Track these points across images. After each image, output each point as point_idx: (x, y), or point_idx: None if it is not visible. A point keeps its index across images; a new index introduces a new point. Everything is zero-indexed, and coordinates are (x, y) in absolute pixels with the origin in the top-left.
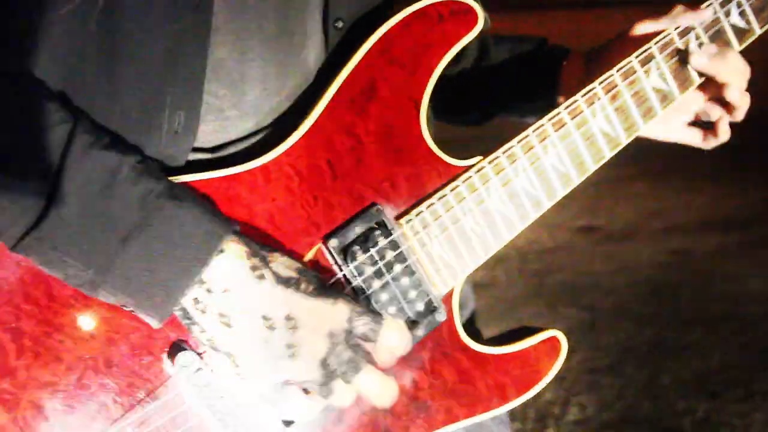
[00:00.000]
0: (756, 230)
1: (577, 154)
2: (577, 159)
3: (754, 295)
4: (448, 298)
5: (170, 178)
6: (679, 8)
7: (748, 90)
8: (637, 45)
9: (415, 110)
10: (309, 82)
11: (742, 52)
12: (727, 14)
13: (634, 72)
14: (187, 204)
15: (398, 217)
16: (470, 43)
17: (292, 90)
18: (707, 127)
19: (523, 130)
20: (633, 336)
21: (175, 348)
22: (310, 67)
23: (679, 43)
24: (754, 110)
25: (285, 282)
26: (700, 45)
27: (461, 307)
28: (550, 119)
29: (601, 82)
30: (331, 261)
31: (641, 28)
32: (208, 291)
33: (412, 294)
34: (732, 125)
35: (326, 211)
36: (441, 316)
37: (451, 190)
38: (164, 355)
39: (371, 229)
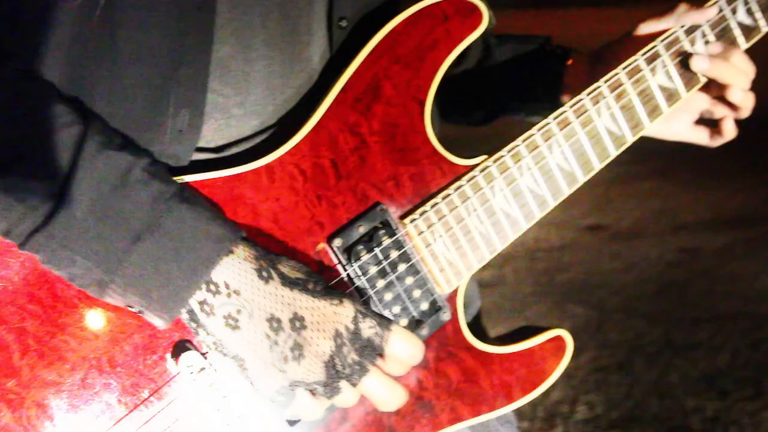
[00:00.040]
0: (765, 228)
1: (583, 153)
2: (582, 158)
3: (764, 293)
4: (452, 298)
5: (175, 177)
6: (683, 6)
7: (755, 87)
8: (642, 44)
9: (419, 109)
10: (313, 81)
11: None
12: (734, 12)
13: (640, 70)
14: (198, 207)
15: (402, 217)
16: (475, 42)
17: (296, 89)
18: (713, 125)
19: (528, 129)
20: (641, 334)
21: (179, 348)
22: (314, 66)
23: (685, 42)
24: (763, 108)
25: (292, 283)
26: (707, 43)
27: (466, 306)
28: (555, 118)
29: (607, 81)
30: (335, 260)
31: (646, 27)
32: (216, 293)
33: (417, 293)
34: (741, 123)
35: (330, 211)
36: (445, 316)
37: (456, 190)
38: (168, 355)
39: (375, 229)
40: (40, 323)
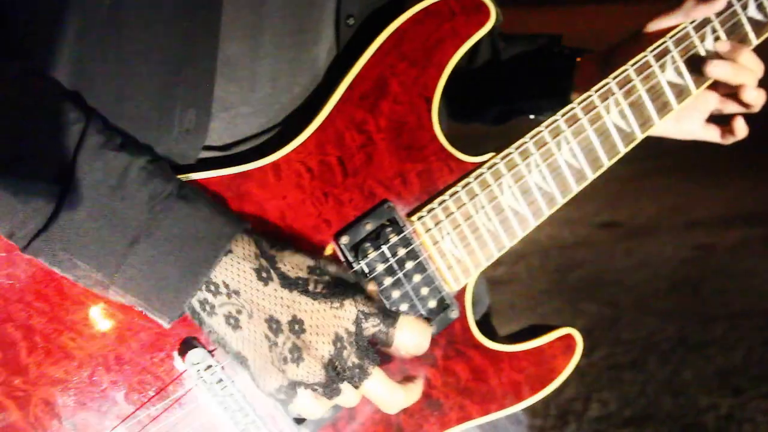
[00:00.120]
0: None
1: (591, 150)
2: (591, 155)
3: None
4: (461, 295)
5: (181, 176)
6: (691, 1)
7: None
8: (651, 42)
9: (426, 107)
10: (320, 80)
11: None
12: (744, 7)
13: (649, 66)
14: (196, 205)
15: (410, 214)
16: (483, 41)
17: (303, 87)
18: (724, 123)
19: (536, 127)
20: (655, 332)
21: (186, 345)
22: (321, 64)
23: (695, 38)
24: None
25: (292, 284)
26: (717, 39)
27: (475, 304)
28: (563, 115)
29: (615, 77)
30: (342, 258)
31: (655, 25)
32: (216, 293)
33: (425, 291)
34: (755, 120)
35: (337, 208)
36: (454, 314)
37: (463, 187)
38: (175, 353)
39: (382, 226)
40: (47, 321)
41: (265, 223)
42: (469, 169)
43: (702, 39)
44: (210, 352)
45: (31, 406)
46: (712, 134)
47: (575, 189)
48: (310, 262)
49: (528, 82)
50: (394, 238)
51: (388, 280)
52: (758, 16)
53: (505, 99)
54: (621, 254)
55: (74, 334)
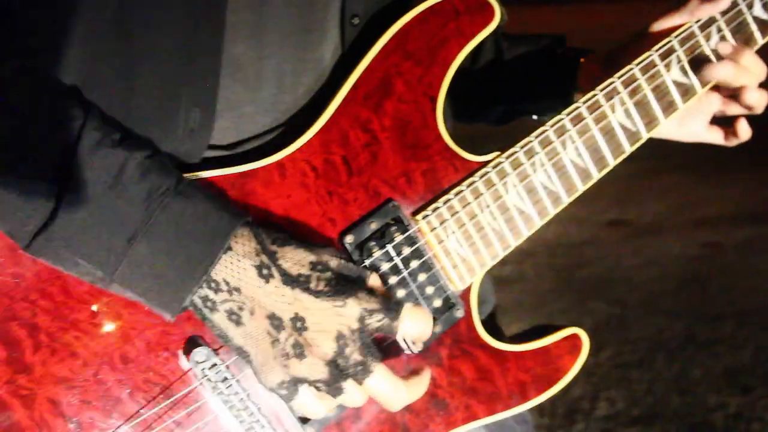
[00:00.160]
0: None
1: (597, 149)
2: (596, 154)
3: None
4: (466, 295)
5: (186, 174)
6: (695, 0)
7: None
8: (656, 42)
9: (431, 105)
10: (325, 79)
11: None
12: (750, 6)
13: (655, 66)
14: (194, 200)
15: (415, 213)
16: (486, 41)
17: (308, 87)
18: (728, 125)
19: (541, 126)
20: (663, 330)
21: (191, 344)
22: (326, 63)
23: (701, 37)
24: None
25: (293, 281)
26: (722, 38)
27: (481, 303)
28: (568, 114)
29: (620, 77)
30: (347, 257)
31: (660, 24)
32: (217, 290)
33: (430, 290)
34: (763, 117)
35: (342, 207)
36: (459, 313)
37: (468, 186)
38: (180, 351)
39: (387, 225)
40: (52, 319)
41: (269, 222)
42: (473, 169)
43: (707, 38)
44: (215, 350)
45: (36, 404)
46: (716, 136)
47: (580, 188)
48: (312, 258)
49: (531, 82)
50: (398, 237)
51: (392, 279)
52: (764, 16)
53: (507, 99)
54: (628, 253)
55: (79, 333)
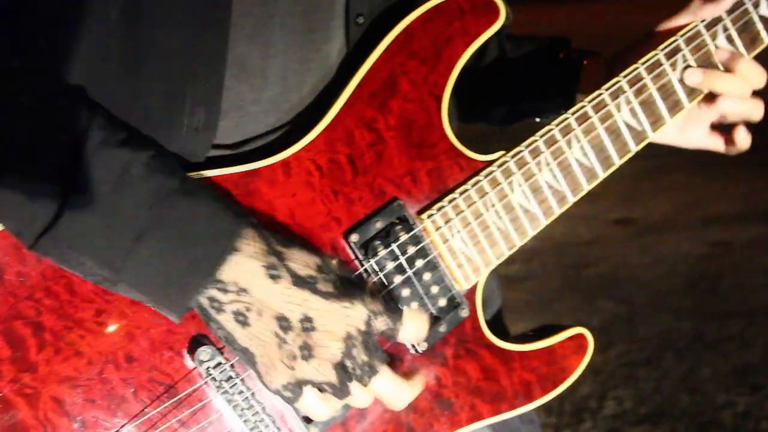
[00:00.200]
0: None
1: (602, 149)
2: (602, 153)
3: None
4: (471, 294)
5: (191, 173)
6: (698, 1)
7: None
8: (662, 43)
9: (436, 105)
10: (330, 78)
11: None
12: (756, 5)
13: (660, 65)
14: (200, 200)
15: (420, 212)
16: (491, 42)
17: (313, 86)
18: (728, 132)
19: (547, 125)
20: (671, 329)
21: (196, 343)
22: (331, 62)
23: (706, 36)
24: None
25: (302, 282)
26: (729, 37)
27: (486, 303)
28: (573, 113)
29: (626, 76)
30: (352, 256)
31: (664, 26)
32: (224, 291)
33: (435, 289)
34: None
35: (347, 206)
36: (464, 312)
37: (473, 185)
38: (185, 350)
39: (392, 224)
40: (56, 318)
41: (274, 221)
42: (479, 168)
43: (713, 37)
44: (219, 349)
45: (40, 403)
46: (717, 144)
47: (586, 187)
48: (318, 260)
49: (533, 83)
50: (403, 236)
51: (397, 278)
52: None
53: (510, 100)
54: (636, 251)
55: (84, 332)
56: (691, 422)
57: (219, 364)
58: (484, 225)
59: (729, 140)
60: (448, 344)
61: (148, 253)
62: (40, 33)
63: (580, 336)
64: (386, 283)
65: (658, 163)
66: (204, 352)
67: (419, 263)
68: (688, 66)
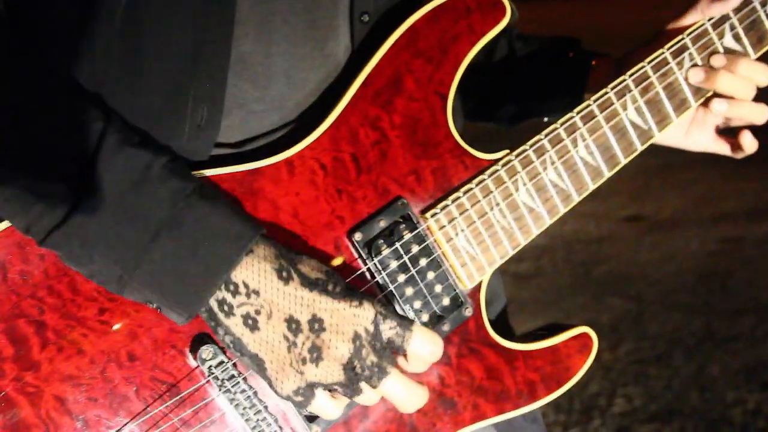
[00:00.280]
0: None
1: (608, 148)
2: (607, 152)
3: None
4: (475, 293)
5: (194, 172)
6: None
7: None
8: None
9: (441, 103)
10: (334, 77)
11: None
12: (764, 4)
13: (667, 63)
14: (217, 204)
15: (424, 211)
16: (500, 40)
17: (317, 84)
18: (734, 136)
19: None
20: (681, 326)
21: (198, 341)
22: (336, 61)
23: (713, 34)
24: None
25: (312, 283)
26: (735, 36)
27: (490, 302)
28: (578, 112)
29: (632, 75)
30: (356, 255)
31: (671, 26)
32: (235, 292)
33: (438, 288)
34: None
35: (350, 205)
36: (468, 312)
37: (478, 184)
38: (187, 349)
39: (396, 223)
40: (59, 317)
41: (278, 220)
42: (483, 167)
43: (721, 36)
44: (222, 348)
45: (42, 402)
46: (723, 147)
47: (591, 186)
48: (326, 268)
49: (541, 82)
50: (407, 235)
51: (401, 277)
52: None
53: (518, 99)
54: (646, 248)
55: (86, 330)
56: (700, 420)
57: (221, 362)
58: (488, 224)
59: (735, 144)
60: (451, 343)
61: (164, 252)
62: (42, 31)
63: (585, 335)
64: (389, 282)
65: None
66: (206, 350)
67: (423, 262)
68: (695, 65)
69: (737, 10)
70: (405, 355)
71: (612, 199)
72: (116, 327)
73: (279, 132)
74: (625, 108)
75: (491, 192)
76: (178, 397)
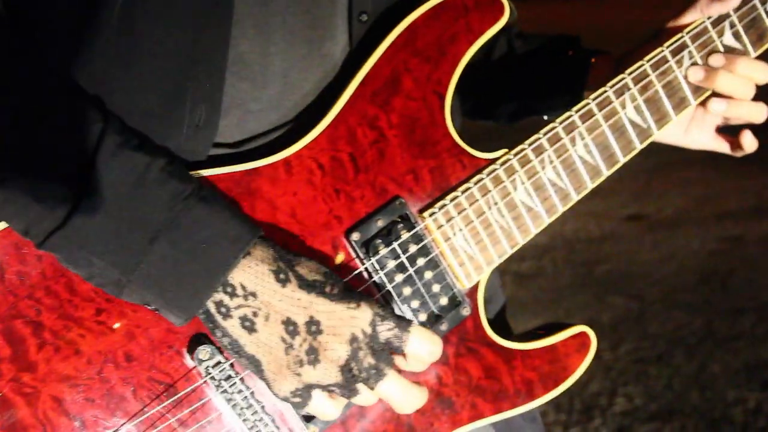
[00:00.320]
0: None
1: (607, 146)
2: (606, 151)
3: None
4: (473, 293)
5: (192, 172)
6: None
7: None
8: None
9: (439, 102)
10: (333, 76)
11: None
12: (764, 2)
13: (666, 62)
14: (215, 206)
15: (422, 211)
16: (499, 39)
17: (316, 84)
18: (733, 134)
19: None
20: (682, 325)
21: (196, 342)
22: (333, 61)
23: (713, 32)
24: None
25: (309, 285)
26: (735, 33)
27: (489, 301)
28: (577, 111)
29: (631, 73)
30: (353, 255)
31: (671, 24)
32: (232, 294)
33: (436, 288)
34: None
35: (348, 205)
36: (465, 311)
37: (476, 183)
38: (184, 349)
39: (394, 223)
40: (56, 317)
41: (275, 220)
42: (481, 166)
43: (720, 34)
44: (219, 348)
45: (39, 402)
46: (723, 146)
47: (590, 185)
48: (324, 269)
49: (541, 80)
50: (405, 235)
51: (399, 277)
52: None
53: (518, 97)
54: (648, 247)
55: (83, 331)
56: (701, 419)
57: (218, 363)
58: (486, 223)
59: (735, 143)
60: (449, 343)
61: (163, 254)
62: (40, 30)
63: (583, 334)
64: (387, 282)
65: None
66: (203, 351)
67: (420, 262)
68: (695, 63)
69: (737, 8)
70: (404, 355)
71: (613, 198)
72: (114, 327)
73: (277, 132)
74: (624, 106)
75: (489, 191)
76: (175, 398)
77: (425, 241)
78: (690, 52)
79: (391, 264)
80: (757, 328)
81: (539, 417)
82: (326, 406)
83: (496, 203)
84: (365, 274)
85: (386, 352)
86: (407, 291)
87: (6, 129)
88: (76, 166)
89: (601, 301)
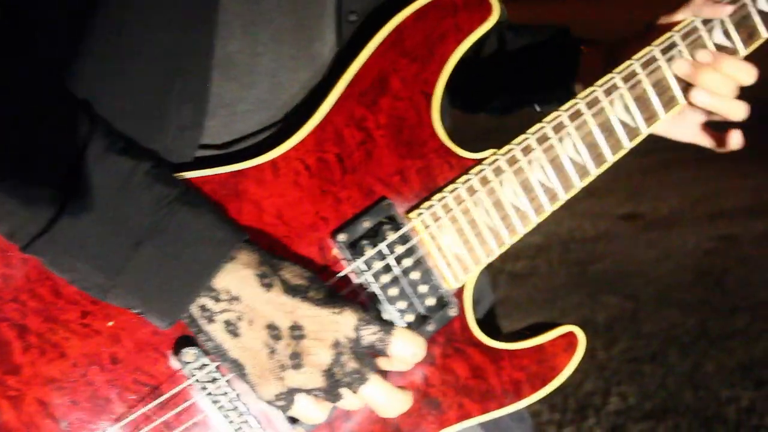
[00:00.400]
0: None
1: (595, 146)
2: (594, 150)
3: None
4: (460, 293)
5: (178, 173)
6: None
7: None
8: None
9: (427, 103)
10: (321, 76)
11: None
12: (754, 0)
13: (655, 60)
14: (200, 210)
15: (409, 211)
16: (491, 33)
17: (303, 84)
18: (720, 131)
19: (539, 122)
20: (677, 324)
21: (181, 344)
22: (322, 61)
23: (703, 31)
24: None
25: (293, 290)
26: (726, 32)
27: (477, 301)
28: (566, 110)
29: (620, 72)
30: (340, 256)
31: (662, 21)
32: (216, 299)
33: (423, 289)
34: None
35: (335, 206)
36: (452, 311)
37: (463, 183)
38: (169, 352)
39: (381, 224)
40: (41, 320)
41: (261, 222)
42: (469, 166)
43: (710, 32)
44: (205, 351)
45: (24, 405)
46: (707, 141)
47: (578, 185)
48: (309, 273)
49: (532, 71)
50: (392, 236)
51: (385, 278)
52: None
53: (509, 88)
54: (643, 246)
55: (69, 334)
56: (695, 418)
57: (204, 365)
58: (473, 223)
59: (720, 139)
60: (436, 343)
61: (146, 259)
62: (25, 31)
63: (571, 334)
64: (373, 283)
65: (665, 158)
66: (189, 353)
67: (407, 262)
68: (687, 58)
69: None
70: (387, 357)
71: (608, 198)
72: (99, 330)
73: (264, 132)
74: (612, 106)
75: (477, 191)
76: (160, 400)
77: (412, 242)
78: (680, 50)
79: (378, 265)
80: (751, 327)
81: (528, 416)
82: (310, 410)
83: (483, 203)
84: (352, 276)
85: (369, 357)
86: (394, 292)
87: None
88: (61, 170)
89: (595, 300)
